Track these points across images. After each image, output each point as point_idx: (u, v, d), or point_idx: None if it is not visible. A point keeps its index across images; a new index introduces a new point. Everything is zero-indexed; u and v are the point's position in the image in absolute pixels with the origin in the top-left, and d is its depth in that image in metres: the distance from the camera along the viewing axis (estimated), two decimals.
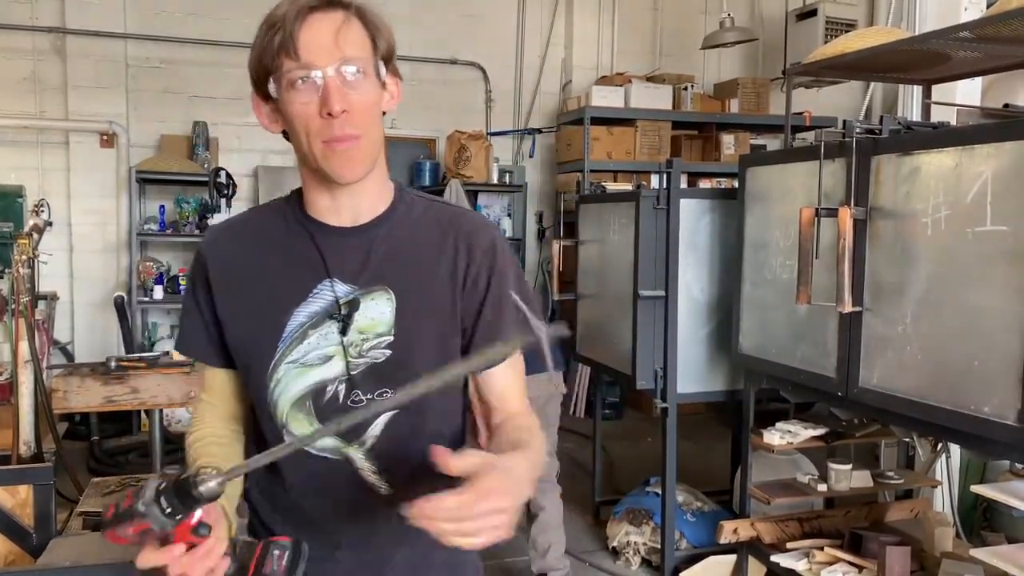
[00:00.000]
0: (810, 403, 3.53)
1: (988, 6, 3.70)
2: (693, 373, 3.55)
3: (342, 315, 1.16)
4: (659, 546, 3.60)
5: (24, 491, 2.12)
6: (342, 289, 1.17)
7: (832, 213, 2.68)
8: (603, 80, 6.87)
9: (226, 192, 5.40)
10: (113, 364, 3.54)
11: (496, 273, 1.22)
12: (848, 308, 2.65)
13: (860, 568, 2.98)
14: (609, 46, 7.25)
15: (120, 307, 5.79)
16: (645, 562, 3.74)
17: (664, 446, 3.51)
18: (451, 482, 1.21)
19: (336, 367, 1.17)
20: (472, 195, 6.67)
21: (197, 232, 6.09)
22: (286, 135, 1.16)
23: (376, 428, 1.17)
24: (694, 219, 3.52)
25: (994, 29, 2.67)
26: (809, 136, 4.95)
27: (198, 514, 0.91)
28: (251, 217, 1.29)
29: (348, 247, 1.18)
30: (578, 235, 4.24)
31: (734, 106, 6.88)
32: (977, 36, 2.77)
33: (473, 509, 0.85)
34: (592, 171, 6.40)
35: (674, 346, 3.45)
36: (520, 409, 1.23)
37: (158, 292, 6.03)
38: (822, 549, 3.10)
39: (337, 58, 1.08)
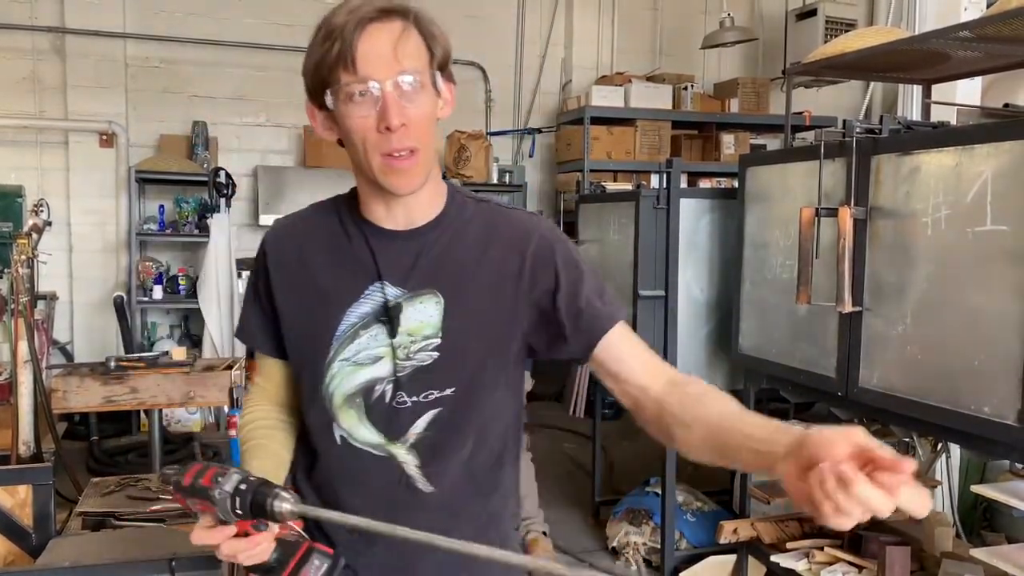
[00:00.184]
0: (810, 403, 3.53)
1: (988, 6, 3.71)
2: (693, 372, 3.48)
3: (390, 318, 1.18)
4: (659, 546, 3.59)
5: (23, 491, 2.12)
6: (392, 292, 1.18)
7: (832, 213, 2.68)
8: (603, 80, 6.87)
9: (225, 192, 5.40)
10: (112, 364, 3.54)
11: (558, 265, 1.20)
12: (848, 308, 2.64)
13: (860, 568, 2.98)
14: (609, 46, 7.25)
15: (119, 307, 5.79)
16: (645, 562, 3.73)
17: (664, 446, 3.50)
18: (488, 479, 1.24)
19: (385, 367, 1.19)
20: None
21: (196, 232, 6.09)
22: (340, 142, 1.17)
23: (419, 426, 1.19)
24: (694, 219, 3.52)
25: (994, 29, 2.67)
26: (809, 136, 4.95)
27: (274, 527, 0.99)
28: (311, 214, 1.29)
29: (399, 250, 1.19)
30: (578, 235, 4.23)
31: (734, 106, 6.88)
32: (977, 36, 2.77)
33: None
34: (592, 171, 6.40)
35: (674, 346, 3.45)
36: (675, 375, 1.19)
37: (157, 292, 6.02)
38: (822, 549, 3.10)
39: (396, 71, 1.08)
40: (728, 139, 6.80)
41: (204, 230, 5.77)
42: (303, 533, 1.11)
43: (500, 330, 1.20)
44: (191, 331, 6.47)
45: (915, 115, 4.08)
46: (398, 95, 1.08)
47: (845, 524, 0.81)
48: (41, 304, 4.06)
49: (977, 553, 2.56)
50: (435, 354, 1.18)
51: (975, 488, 2.70)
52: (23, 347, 3.20)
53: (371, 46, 1.07)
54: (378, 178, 1.13)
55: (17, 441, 3.21)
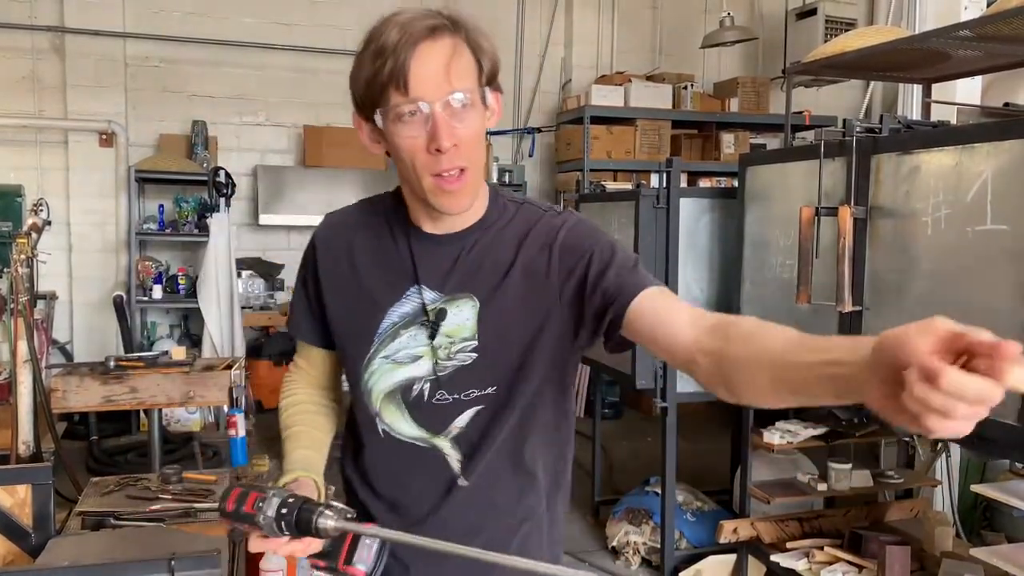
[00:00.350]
0: None
1: (988, 5, 3.71)
2: None
3: (429, 321, 1.20)
4: (659, 546, 3.59)
5: (23, 491, 2.11)
6: (429, 295, 1.21)
7: (832, 212, 2.68)
8: (603, 79, 6.87)
9: (225, 191, 5.40)
10: (112, 364, 3.53)
11: (585, 251, 1.18)
12: (848, 307, 2.64)
13: (860, 568, 2.98)
14: (609, 45, 7.25)
15: (119, 306, 5.79)
16: (645, 562, 3.73)
17: (664, 446, 3.51)
18: (527, 477, 1.25)
19: (424, 367, 1.22)
20: None
21: (196, 231, 6.09)
22: (388, 152, 1.18)
23: (463, 420, 1.22)
24: (694, 218, 3.51)
25: (994, 28, 2.67)
26: (809, 135, 4.96)
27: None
28: (360, 211, 1.32)
29: (438, 254, 1.21)
30: None
31: (734, 105, 6.88)
32: (977, 35, 2.77)
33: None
34: (592, 170, 6.41)
35: None
36: (721, 319, 1.05)
37: (157, 292, 6.02)
38: (822, 549, 3.10)
39: (446, 91, 1.08)
40: (728, 138, 6.80)
41: (204, 230, 5.76)
42: (332, 504, 1.12)
43: (537, 328, 1.20)
44: (191, 331, 6.47)
45: (915, 114, 4.08)
46: (449, 115, 1.09)
47: (958, 429, 0.70)
48: (41, 304, 4.06)
49: (977, 553, 2.56)
50: (474, 355, 1.20)
51: (975, 488, 2.71)
52: (22, 347, 3.20)
53: (422, 66, 1.07)
54: (428, 198, 1.14)
55: (16, 441, 3.21)
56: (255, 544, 1.08)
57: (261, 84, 6.64)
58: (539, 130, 7.27)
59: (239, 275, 5.82)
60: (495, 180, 6.63)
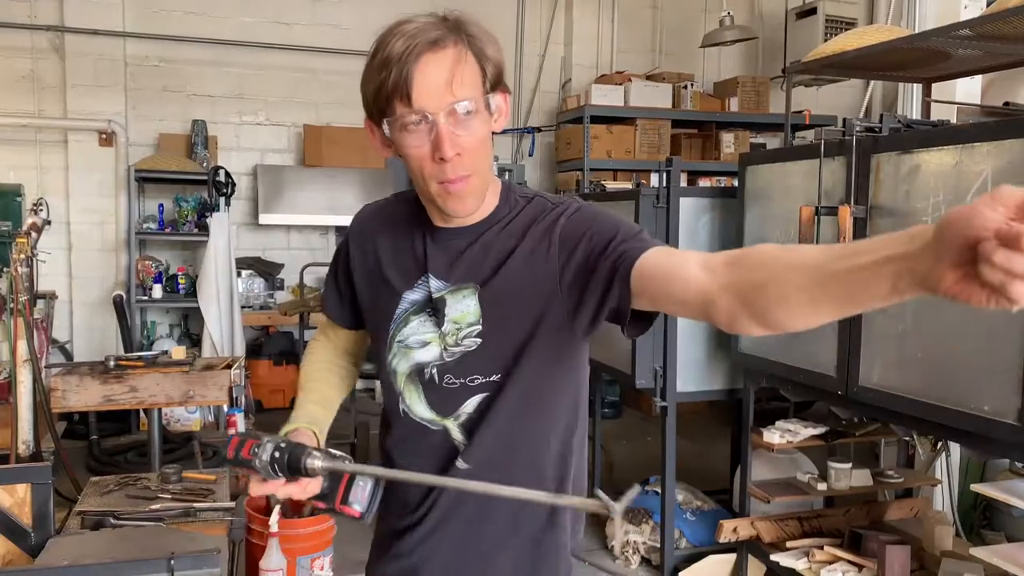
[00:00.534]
0: (810, 402, 3.53)
1: (988, 4, 3.70)
2: (693, 372, 3.54)
3: (433, 309, 1.27)
4: (659, 545, 3.59)
5: (22, 490, 2.12)
6: (436, 284, 1.27)
7: (832, 211, 2.67)
8: (603, 78, 6.86)
9: (225, 191, 5.40)
10: (112, 363, 3.54)
11: (586, 232, 1.18)
12: None
13: (860, 567, 2.98)
14: (609, 44, 7.24)
15: (119, 306, 5.79)
16: (644, 561, 3.73)
17: (663, 445, 3.51)
18: (527, 466, 1.28)
19: (433, 352, 1.27)
20: None
21: (196, 231, 6.09)
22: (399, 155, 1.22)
23: (469, 406, 1.26)
24: (694, 218, 3.51)
25: (994, 27, 2.67)
26: (809, 135, 4.95)
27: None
28: (391, 204, 1.39)
29: (447, 247, 1.27)
30: None
31: (734, 105, 6.88)
32: (977, 34, 2.77)
33: None
34: (592, 170, 6.41)
35: (673, 345, 3.44)
36: (730, 255, 1.00)
37: (157, 291, 6.02)
38: (822, 548, 3.10)
39: (449, 102, 1.12)
40: (728, 138, 6.80)
41: (203, 229, 5.76)
42: (328, 451, 1.19)
43: (540, 313, 1.22)
44: (190, 330, 6.47)
45: (915, 114, 4.07)
46: (453, 124, 1.12)
47: None
48: (40, 303, 4.05)
49: (977, 552, 2.56)
50: (478, 340, 1.24)
51: (975, 487, 2.71)
52: (22, 346, 3.20)
53: (426, 78, 1.10)
54: (436, 202, 1.20)
55: (16, 440, 3.21)
56: (255, 488, 1.15)
57: (261, 83, 6.64)
58: (539, 129, 7.27)
59: (239, 275, 5.82)
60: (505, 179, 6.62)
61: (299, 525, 2.93)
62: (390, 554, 1.36)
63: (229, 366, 3.70)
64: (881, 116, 2.72)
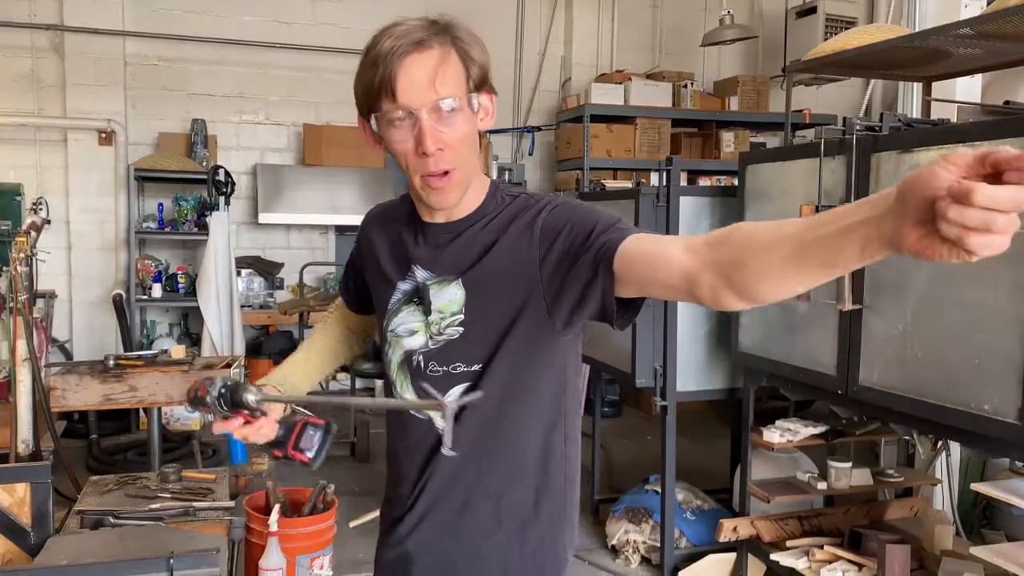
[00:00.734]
0: (810, 401, 3.53)
1: (988, 3, 3.70)
2: (693, 371, 3.54)
3: (420, 299, 1.34)
4: (659, 544, 3.59)
5: (22, 489, 2.11)
6: (422, 275, 1.34)
7: None
8: (603, 77, 6.86)
9: (225, 190, 5.40)
10: (111, 362, 3.53)
11: (566, 226, 1.22)
12: (848, 306, 2.64)
13: (860, 566, 2.98)
14: (609, 43, 7.24)
15: (119, 305, 5.79)
16: (644, 560, 3.73)
17: (663, 444, 3.50)
18: (505, 455, 1.33)
19: (419, 340, 1.34)
20: None
21: (196, 230, 6.09)
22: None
23: (452, 396, 1.30)
24: (694, 217, 3.51)
25: (994, 26, 2.67)
26: (809, 134, 4.95)
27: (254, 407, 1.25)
28: (396, 203, 1.47)
29: (434, 241, 1.33)
30: None
31: (734, 104, 6.88)
32: (977, 33, 2.76)
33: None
34: (592, 169, 6.41)
35: (673, 344, 3.44)
36: (707, 238, 1.03)
37: (156, 290, 6.02)
38: (822, 547, 3.10)
39: (431, 99, 1.18)
40: (728, 137, 6.80)
41: (203, 228, 5.76)
42: (306, 413, 1.34)
43: (520, 305, 1.26)
44: (190, 329, 6.47)
45: (915, 113, 4.07)
46: (435, 120, 1.19)
47: (1000, 244, 0.71)
48: (40, 302, 4.05)
49: (977, 551, 2.56)
50: (460, 328, 1.30)
51: (975, 486, 2.70)
52: (22, 345, 3.20)
53: (409, 77, 1.17)
54: (420, 195, 1.28)
55: (16, 439, 3.21)
56: (216, 427, 1.26)
57: (260, 83, 6.64)
58: (539, 128, 7.27)
59: (238, 274, 5.81)
60: (494, 179, 6.62)
61: (299, 524, 2.93)
62: (389, 541, 1.42)
63: (229, 365, 3.70)
64: (881, 115, 2.72)
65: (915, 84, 4.04)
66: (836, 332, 2.79)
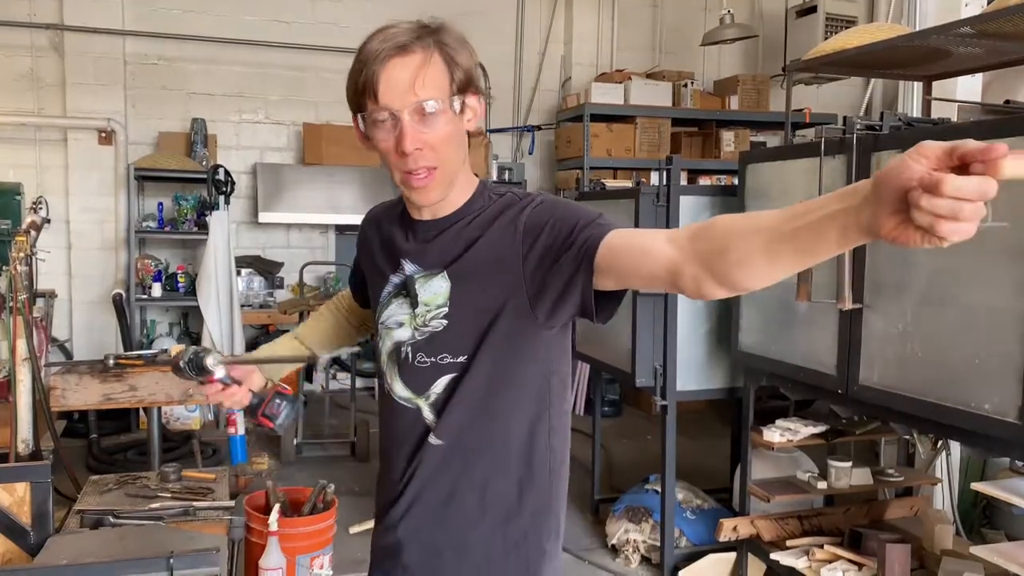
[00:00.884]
0: (810, 400, 3.53)
1: (988, 2, 3.69)
2: (693, 370, 3.54)
3: (407, 292, 1.39)
4: (659, 544, 3.59)
5: (22, 489, 2.11)
6: (410, 268, 1.39)
7: None
8: (603, 77, 6.86)
9: (224, 189, 5.39)
10: (111, 362, 3.53)
11: (548, 222, 1.27)
12: (848, 305, 2.64)
13: (860, 566, 2.98)
14: (609, 43, 7.24)
15: (118, 305, 5.78)
16: (644, 560, 3.73)
17: (663, 444, 3.50)
18: (491, 447, 1.37)
19: (406, 332, 1.39)
20: None
21: (195, 229, 6.09)
22: None
23: (439, 386, 1.36)
24: (694, 216, 3.50)
25: (995, 25, 2.66)
26: (809, 133, 4.95)
27: (219, 373, 1.42)
28: (394, 202, 1.52)
29: (421, 237, 1.39)
30: None
31: (734, 103, 6.88)
32: (978, 32, 2.76)
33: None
34: (592, 168, 6.40)
35: (674, 343, 3.44)
36: (687, 231, 1.09)
37: (156, 290, 6.02)
38: (822, 547, 3.10)
39: (411, 101, 1.23)
40: (728, 136, 6.80)
41: (203, 228, 5.76)
42: (283, 386, 1.52)
43: (504, 299, 1.30)
44: (190, 329, 6.47)
45: (915, 112, 4.07)
46: (416, 121, 1.24)
47: (967, 230, 0.76)
48: (40, 302, 4.04)
49: (977, 551, 2.56)
50: (445, 321, 1.35)
51: (975, 486, 2.70)
52: (21, 345, 3.20)
53: (390, 78, 1.23)
54: (402, 191, 1.34)
55: (15, 439, 3.20)
56: (204, 390, 1.45)
57: (260, 82, 6.63)
58: (539, 128, 7.26)
59: (238, 273, 5.81)
60: (494, 178, 6.63)
61: (299, 524, 2.93)
62: (382, 528, 1.48)
63: None
64: (882, 114, 2.72)
65: (915, 83, 4.04)
66: (836, 331, 2.79)
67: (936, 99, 3.61)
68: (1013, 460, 3.06)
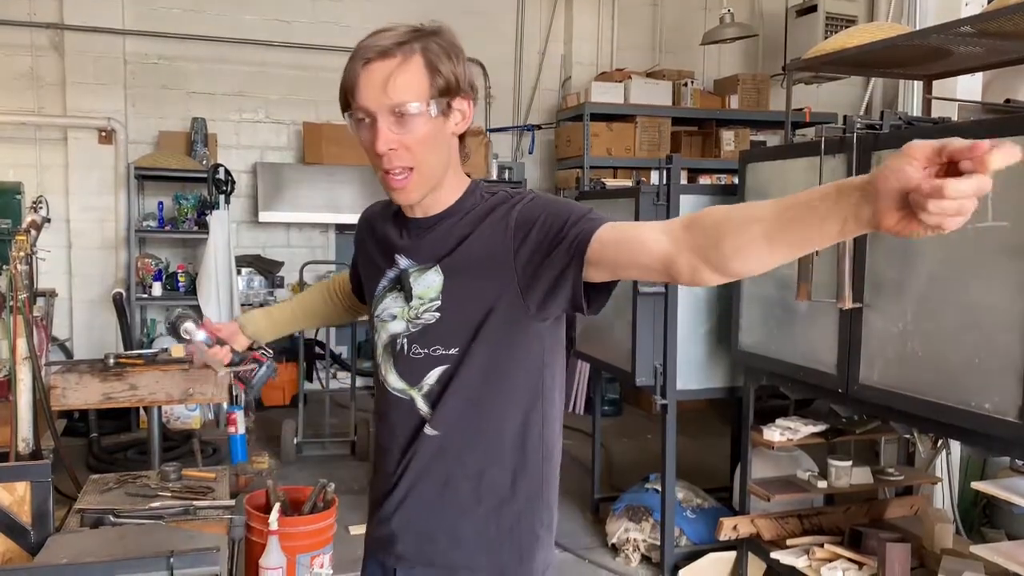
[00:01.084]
0: (810, 399, 3.53)
1: (988, 1, 3.69)
2: (693, 370, 3.54)
3: (402, 286, 1.43)
4: (659, 543, 3.59)
5: (22, 488, 2.11)
6: (404, 263, 1.43)
7: None
8: (603, 76, 6.86)
9: (225, 188, 5.39)
10: (112, 361, 3.53)
11: (539, 219, 1.30)
12: (848, 304, 2.64)
13: (860, 565, 2.98)
14: (609, 42, 7.24)
15: (119, 304, 5.79)
16: (644, 559, 3.73)
17: (664, 443, 3.51)
18: (484, 439, 1.40)
19: (400, 325, 1.43)
20: None
21: (196, 228, 6.09)
22: None
23: (432, 377, 1.39)
24: None
25: (995, 24, 2.66)
26: (809, 132, 4.95)
27: (200, 337, 1.61)
28: (390, 200, 1.52)
29: (414, 233, 1.43)
30: None
31: (734, 102, 6.88)
32: (978, 31, 2.76)
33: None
34: (592, 167, 6.40)
35: (674, 343, 3.44)
36: (682, 221, 1.13)
37: (157, 289, 6.02)
38: (822, 546, 3.10)
39: (385, 104, 1.27)
40: (728, 135, 6.80)
41: (203, 227, 5.76)
42: (266, 351, 1.72)
43: (499, 294, 1.33)
44: None
45: (916, 111, 4.07)
46: (392, 122, 1.28)
47: (962, 220, 0.85)
48: (40, 301, 4.04)
49: (977, 550, 2.56)
50: (437, 314, 1.38)
51: (975, 485, 2.70)
52: (22, 344, 3.20)
53: (367, 81, 1.28)
54: (383, 187, 1.37)
55: (16, 438, 3.20)
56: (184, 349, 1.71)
57: (261, 81, 6.63)
58: (539, 127, 7.26)
59: (239, 272, 5.81)
60: (495, 177, 6.63)
61: (299, 523, 2.93)
62: (376, 519, 1.51)
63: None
64: (882, 113, 2.71)
65: (916, 82, 4.04)
66: (836, 330, 2.79)
67: (936, 98, 3.61)
68: (1013, 459, 3.06)
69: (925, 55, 3.15)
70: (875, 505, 3.41)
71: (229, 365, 1.64)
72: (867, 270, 2.64)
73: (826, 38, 4.59)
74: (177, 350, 3.82)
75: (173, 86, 6.44)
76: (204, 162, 6.08)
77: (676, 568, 3.51)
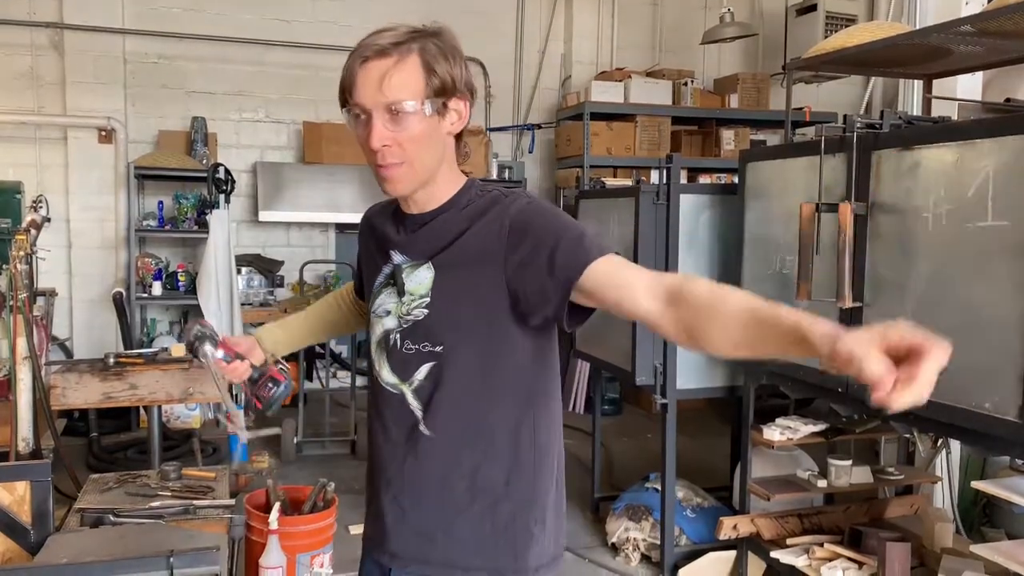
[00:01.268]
0: (810, 399, 3.53)
1: (989, 0, 3.69)
2: (693, 369, 3.54)
3: (395, 282, 1.45)
4: (659, 542, 3.59)
5: (22, 488, 2.11)
6: (398, 259, 1.45)
7: (832, 208, 2.67)
8: (603, 75, 6.86)
9: (225, 188, 5.39)
10: (112, 360, 3.53)
11: (533, 229, 1.33)
12: (848, 304, 2.64)
13: (860, 564, 2.98)
14: (609, 41, 7.23)
15: (119, 303, 5.79)
16: (644, 558, 3.73)
17: (664, 442, 3.51)
18: (479, 440, 1.41)
19: (393, 320, 1.45)
20: None
21: (196, 228, 6.09)
22: None
23: (421, 373, 1.42)
24: (694, 214, 3.51)
25: (995, 23, 2.66)
26: (809, 131, 4.95)
27: (219, 354, 1.57)
28: (392, 198, 1.55)
29: (408, 229, 1.46)
30: None
31: (734, 101, 6.87)
32: (978, 30, 2.75)
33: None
34: (592, 166, 6.40)
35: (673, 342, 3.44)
36: (674, 285, 1.23)
37: (157, 288, 6.02)
38: (822, 545, 3.10)
39: (380, 101, 1.31)
40: (728, 135, 6.80)
41: (203, 226, 5.75)
42: (284, 367, 1.67)
43: (487, 293, 1.36)
44: None
45: (916, 110, 4.07)
46: (387, 119, 1.32)
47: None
48: (40, 300, 4.04)
49: (977, 549, 2.56)
50: (426, 310, 1.40)
51: (975, 484, 2.71)
52: (22, 343, 3.20)
53: (363, 79, 1.32)
54: (376, 180, 1.40)
55: (16, 438, 3.20)
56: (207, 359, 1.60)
57: (260, 80, 6.63)
58: (539, 126, 7.26)
59: (239, 272, 5.81)
60: (495, 176, 6.63)
61: (299, 523, 2.93)
62: (371, 515, 1.54)
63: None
64: (882, 113, 2.71)
65: (916, 81, 4.04)
66: None
67: (936, 97, 3.61)
68: (1013, 458, 3.06)
69: (925, 54, 3.15)
70: (875, 504, 3.41)
71: (250, 382, 1.62)
72: (867, 269, 2.64)
73: (826, 37, 4.59)
74: (177, 349, 3.84)
75: (173, 85, 6.44)
76: (204, 161, 6.08)
77: (676, 567, 3.52)
